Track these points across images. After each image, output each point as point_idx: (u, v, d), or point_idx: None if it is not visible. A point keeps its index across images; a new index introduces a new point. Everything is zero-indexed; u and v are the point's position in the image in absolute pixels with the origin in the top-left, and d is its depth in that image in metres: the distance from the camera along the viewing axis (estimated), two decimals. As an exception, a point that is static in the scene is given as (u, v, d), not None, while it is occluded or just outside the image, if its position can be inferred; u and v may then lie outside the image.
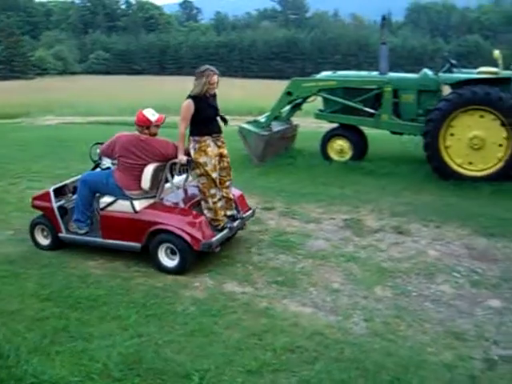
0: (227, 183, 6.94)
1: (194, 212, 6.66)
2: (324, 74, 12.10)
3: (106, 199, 6.67)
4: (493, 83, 9.66)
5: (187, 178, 6.90)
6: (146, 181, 6.50)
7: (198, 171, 6.74)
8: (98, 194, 6.87)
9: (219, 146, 6.82)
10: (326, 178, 10.24)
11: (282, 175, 10.63)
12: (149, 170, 6.49)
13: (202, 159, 6.64)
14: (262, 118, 11.95)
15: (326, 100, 11.62)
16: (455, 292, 5.82)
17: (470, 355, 4.70)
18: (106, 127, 20.04)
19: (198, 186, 6.82)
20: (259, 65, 76.81)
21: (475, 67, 10.87)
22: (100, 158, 7.14)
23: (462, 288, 5.91)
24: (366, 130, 12.04)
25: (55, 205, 6.96)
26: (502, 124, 9.44)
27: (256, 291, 5.84)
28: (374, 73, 11.62)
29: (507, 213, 8.17)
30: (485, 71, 10.19)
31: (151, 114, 6.65)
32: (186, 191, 6.95)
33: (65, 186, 7.25)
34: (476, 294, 5.79)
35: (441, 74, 10.63)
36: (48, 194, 7.01)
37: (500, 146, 9.54)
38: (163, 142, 6.72)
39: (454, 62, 11.00)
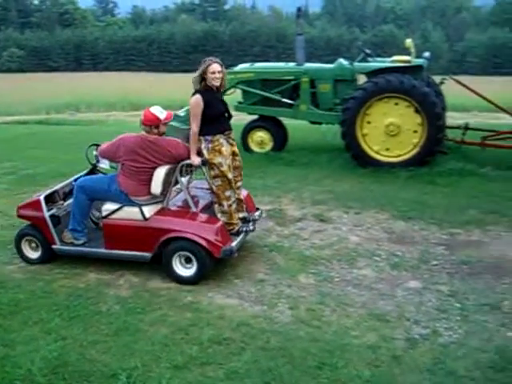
0: (239, 183, 6.53)
1: (211, 216, 6.27)
2: (242, 66, 12.13)
3: (109, 206, 6.14)
4: (406, 71, 9.94)
5: (190, 179, 6.58)
6: (156, 185, 6.01)
7: (212, 173, 6.27)
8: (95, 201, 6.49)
9: (231, 144, 6.43)
10: (247, 170, 10.11)
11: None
12: (160, 174, 6.00)
13: (216, 159, 6.21)
14: (181, 112, 11.80)
15: (244, 92, 11.66)
16: (376, 275, 5.99)
17: (392, 336, 4.85)
18: (23, 127, 19.47)
19: (211, 188, 6.34)
20: (179, 58, 76.16)
21: (390, 56, 11.16)
22: (98, 161, 6.66)
23: (382, 271, 6.08)
24: (286, 121, 12.14)
25: (47, 214, 6.33)
26: (416, 111, 9.74)
27: (181, 286, 5.82)
28: (291, 64, 11.73)
29: (423, 196, 8.47)
30: (398, 60, 10.47)
31: (159, 112, 6.09)
32: (189, 194, 6.42)
33: (55, 192, 6.58)
34: (396, 276, 5.98)
35: (356, 64, 10.86)
36: (38, 202, 6.33)
37: (415, 132, 9.84)
38: (173, 141, 6.19)
39: (368, 51, 11.24)
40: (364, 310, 5.30)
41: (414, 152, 9.90)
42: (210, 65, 6.08)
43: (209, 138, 6.21)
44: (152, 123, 6.04)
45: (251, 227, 6.51)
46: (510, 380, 4.25)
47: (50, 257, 6.48)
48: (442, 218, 7.52)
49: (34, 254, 6.52)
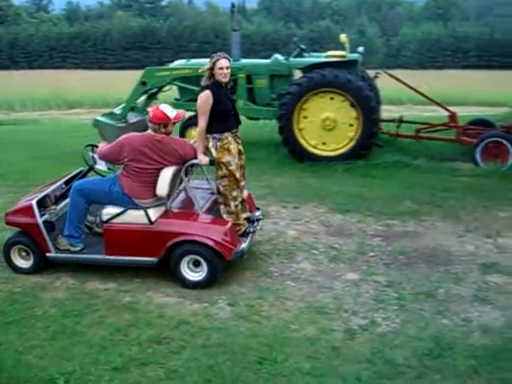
0: (242, 183, 6.29)
1: (219, 218, 6.12)
2: (178, 62, 12.03)
3: (111, 210, 5.80)
4: (341, 66, 10.06)
5: (189, 179, 6.27)
6: (163, 187, 5.69)
7: (219, 172, 6.09)
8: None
9: (237, 143, 6.24)
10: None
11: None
12: (167, 175, 5.69)
13: (225, 158, 6.02)
14: (117, 110, 11.68)
15: (181, 89, 11.57)
16: (315, 268, 6.04)
17: (331, 327, 4.91)
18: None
19: (217, 189, 6.17)
20: (115, 55, 74.96)
21: (327, 51, 11.25)
22: (95, 162, 6.35)
23: (320, 264, 6.14)
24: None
25: (40, 220, 5.94)
26: (352, 105, 9.87)
27: (119, 286, 5.73)
28: (227, 59, 11.67)
29: (360, 189, 8.60)
30: (333, 55, 10.60)
31: (170, 111, 5.76)
32: (187, 194, 6.27)
33: (46, 196, 6.18)
34: (334, 268, 6.05)
35: (291, 59, 10.93)
36: (30, 207, 5.92)
37: (351, 125, 9.98)
38: (180, 141, 5.99)
39: (303, 46, 11.33)
40: (303, 303, 5.34)
41: (350, 145, 10.04)
42: (217, 60, 5.89)
43: (217, 135, 6.03)
44: (161, 122, 5.71)
45: (258, 227, 6.39)
46: (446, 366, 4.34)
47: (42, 266, 6.12)
48: (379, 210, 7.67)
49: (25, 264, 6.13)
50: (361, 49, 11.21)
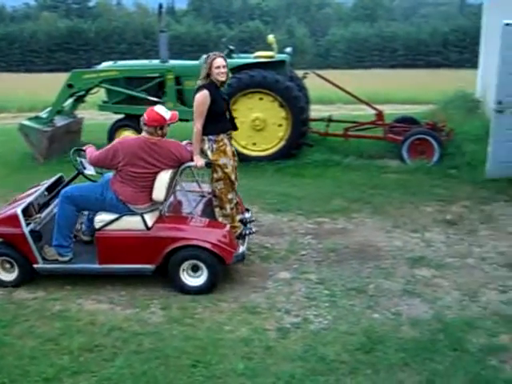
0: (235, 185, 6.23)
1: (215, 221, 6.03)
2: (105, 64, 11.83)
3: (104, 217, 5.59)
4: (269, 67, 10.13)
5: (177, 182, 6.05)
6: (160, 191, 5.53)
7: (215, 175, 6.00)
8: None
9: (231, 144, 6.17)
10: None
11: (72, 172, 10.16)
12: (164, 179, 5.54)
13: (221, 160, 5.94)
14: (43, 114, 11.40)
15: (109, 91, 11.38)
16: (247, 269, 6.06)
17: (264, 327, 4.93)
18: None
19: (212, 191, 6.09)
20: (42, 57, 73.18)
21: (256, 52, 11.28)
22: (84, 168, 6.03)
23: (253, 264, 6.17)
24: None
25: (26, 230, 5.64)
26: (281, 105, 9.95)
27: (48, 295, 5.60)
28: (156, 61, 11.60)
29: (290, 189, 8.68)
30: (261, 55, 10.65)
31: (164, 111, 5.57)
32: (177, 197, 6.13)
33: (30, 204, 5.89)
34: (266, 268, 6.09)
35: (220, 60, 10.89)
36: (15, 216, 5.62)
37: (280, 125, 10.06)
38: (176, 143, 5.75)
39: (232, 47, 11.34)
40: (236, 304, 5.35)
41: (280, 145, 10.12)
42: (214, 59, 5.81)
43: (212, 137, 5.93)
44: (158, 124, 5.51)
45: (253, 229, 6.35)
46: (378, 360, 4.43)
47: (28, 278, 5.84)
48: (309, 209, 7.76)
49: (8, 276, 5.83)
50: (289, 49, 11.31)
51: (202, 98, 5.79)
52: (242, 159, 9.90)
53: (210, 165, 5.90)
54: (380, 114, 10.85)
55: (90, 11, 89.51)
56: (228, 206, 6.10)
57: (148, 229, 5.56)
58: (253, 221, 6.52)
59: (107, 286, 5.75)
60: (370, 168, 9.88)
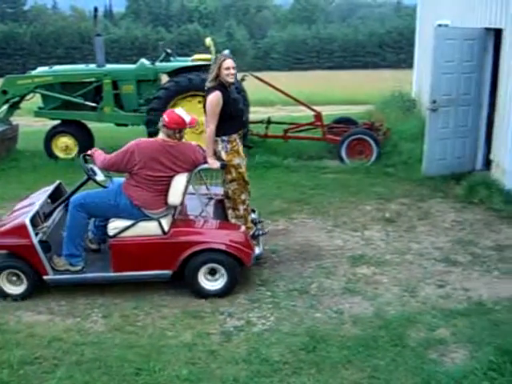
0: (249, 185, 6.26)
1: (231, 223, 6.02)
2: (40, 69, 11.59)
3: (119, 224, 5.44)
4: (207, 69, 10.06)
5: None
6: (176, 195, 5.41)
7: (229, 176, 5.99)
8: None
9: (242, 145, 6.19)
10: (53, 177, 9.83)
11: (7, 180, 9.96)
12: (181, 182, 5.42)
13: (235, 161, 5.94)
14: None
15: (44, 96, 11.16)
16: (190, 273, 6.00)
17: (207, 331, 4.91)
18: None
19: (226, 193, 6.09)
20: (-25, 63, 71.27)
21: (195, 54, 11.26)
22: (94, 173, 5.75)
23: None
24: (91, 124, 11.82)
25: (36, 240, 5.41)
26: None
27: (-17, 309, 5.42)
28: (92, 65, 11.43)
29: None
30: (199, 58, 10.64)
31: (185, 115, 5.45)
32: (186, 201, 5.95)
33: (37, 213, 5.65)
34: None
35: (158, 64, 10.87)
36: (23, 226, 5.39)
37: None
38: (191, 145, 5.69)
39: (169, 51, 11.28)
40: (179, 309, 5.31)
41: None
42: (223, 60, 5.82)
43: (225, 138, 5.92)
44: (178, 126, 5.39)
45: (266, 230, 6.39)
46: (321, 359, 4.47)
47: (33, 291, 5.60)
48: (251, 211, 7.75)
49: (16, 289, 5.58)
50: (226, 52, 11.29)
51: (215, 99, 5.81)
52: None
53: (224, 166, 5.88)
54: (318, 115, 10.96)
55: (25, 15, 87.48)
56: (241, 207, 6.12)
57: (165, 234, 5.47)
58: (261, 221, 6.51)
59: (46, 297, 5.62)
60: (310, 169, 9.99)
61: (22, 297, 5.57)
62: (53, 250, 5.63)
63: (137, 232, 5.46)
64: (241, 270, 5.60)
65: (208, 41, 10.84)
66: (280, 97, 12.53)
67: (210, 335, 4.85)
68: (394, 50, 61.96)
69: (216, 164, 5.78)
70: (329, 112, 14.24)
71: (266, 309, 5.28)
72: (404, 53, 52.79)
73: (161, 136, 5.48)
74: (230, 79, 5.92)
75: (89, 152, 5.82)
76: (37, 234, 5.46)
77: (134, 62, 11.78)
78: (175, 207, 5.64)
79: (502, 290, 5.60)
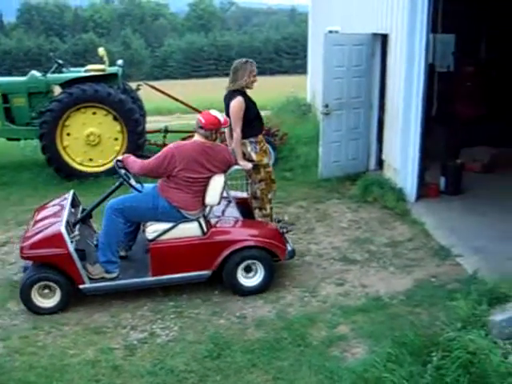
0: (275, 184, 6.56)
1: (262, 221, 6.26)
2: None
3: (158, 227, 5.45)
4: (101, 80, 9.94)
5: None
6: (214, 195, 5.51)
7: (258, 176, 6.22)
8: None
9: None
10: None
11: None
12: (219, 182, 5.52)
13: (265, 160, 6.25)
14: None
15: None
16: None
17: (110, 346, 4.84)
18: None
19: (254, 193, 6.33)
20: None
21: (89, 65, 11.01)
22: (129, 178, 5.61)
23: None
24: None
25: (72, 248, 5.25)
26: (115, 118, 9.81)
27: None
28: (-20, 79, 10.97)
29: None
30: (92, 69, 10.43)
31: (220, 115, 5.55)
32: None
33: (67, 222, 5.48)
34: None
35: (49, 75, 10.56)
36: (59, 235, 5.26)
37: (116, 139, 9.93)
38: (224, 146, 5.84)
39: (61, 61, 11.00)
40: (80, 326, 5.19)
41: None
42: (253, 67, 6.17)
43: (253, 139, 6.17)
44: (215, 127, 5.48)
45: (289, 227, 6.39)
46: (226, 365, 4.51)
47: (68, 302, 5.45)
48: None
49: (48, 302, 5.40)
50: (120, 61, 11.16)
51: (238, 104, 6.05)
52: (80, 176, 9.73)
53: (256, 166, 6.13)
54: (216, 123, 10.99)
55: None
56: (268, 206, 6.38)
57: (204, 234, 5.52)
58: (281, 220, 6.54)
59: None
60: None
61: (54, 310, 5.41)
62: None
63: (176, 234, 5.51)
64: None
65: (101, 50, 10.68)
66: (178, 105, 12.48)
67: (114, 350, 4.78)
68: (290, 56, 63.31)
69: (249, 165, 6.08)
70: (228, 119, 14.27)
71: (169, 319, 5.25)
72: (300, 59, 53.95)
73: (197, 138, 5.56)
74: (252, 85, 6.25)
75: (119, 158, 5.80)
76: (71, 243, 5.37)
77: (25, 74, 11.43)
78: (209, 208, 5.72)
79: (397, 285, 5.84)
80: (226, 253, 5.55)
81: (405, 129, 8.20)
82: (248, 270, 5.70)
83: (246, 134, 6.14)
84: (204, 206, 5.65)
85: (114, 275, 5.53)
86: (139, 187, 5.67)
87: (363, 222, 7.60)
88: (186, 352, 4.70)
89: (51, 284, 5.39)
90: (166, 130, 11.12)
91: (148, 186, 5.81)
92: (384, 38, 9.23)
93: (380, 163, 9.71)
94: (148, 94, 11.59)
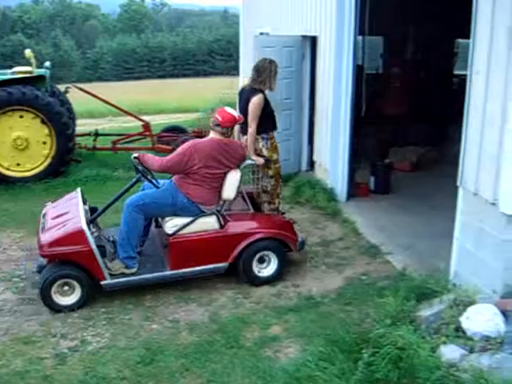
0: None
1: (271, 214, 6.58)
2: None
3: (177, 221, 5.60)
4: (28, 82, 9.69)
5: None
6: (231, 190, 5.74)
7: (270, 172, 6.54)
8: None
9: None
10: None
11: None
12: (236, 177, 5.76)
13: (275, 156, 6.56)
14: None
15: None
16: (18, 297, 5.72)
17: (40, 356, 4.71)
18: None
19: (264, 187, 6.61)
20: None
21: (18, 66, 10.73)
22: (147, 174, 5.68)
23: (24, 292, 5.83)
24: None
25: (94, 245, 5.30)
26: (43, 122, 9.58)
27: None
28: None
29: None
30: (19, 71, 10.16)
31: (234, 112, 5.79)
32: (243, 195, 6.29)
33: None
34: (36, 293, 5.73)
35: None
36: (81, 232, 5.32)
37: (44, 143, 9.70)
38: (239, 142, 6.15)
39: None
40: (7, 336, 5.03)
41: (46, 164, 9.76)
42: (277, 68, 6.51)
43: (266, 135, 6.47)
44: (231, 124, 5.73)
45: (292, 220, 6.69)
46: (159, 370, 4.46)
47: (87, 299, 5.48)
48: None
49: (69, 300, 5.42)
50: (47, 63, 10.90)
51: (259, 101, 6.35)
52: (7, 181, 9.46)
53: (268, 161, 6.41)
54: (147, 125, 10.93)
55: None
56: (277, 201, 6.73)
57: (222, 227, 5.71)
58: (284, 213, 6.93)
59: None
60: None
61: (73, 308, 5.42)
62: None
63: (196, 228, 5.67)
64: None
65: (28, 52, 10.41)
66: (111, 108, 12.29)
67: (43, 360, 4.65)
68: (224, 57, 63.35)
69: (261, 160, 6.32)
70: (161, 121, 14.23)
71: (100, 326, 5.15)
72: (233, 60, 54.10)
73: (213, 135, 5.75)
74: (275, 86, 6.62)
75: (135, 155, 5.80)
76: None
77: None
78: (222, 202, 5.85)
79: (329, 283, 5.94)
80: (242, 245, 5.76)
81: (334, 129, 8.33)
82: (261, 261, 5.92)
83: (259, 130, 6.42)
84: (220, 200, 5.83)
85: (134, 270, 5.62)
86: (157, 183, 5.78)
87: (295, 223, 7.62)
88: (118, 359, 4.62)
89: (71, 281, 5.41)
90: (97, 134, 10.94)
91: (164, 181, 5.94)
92: (313, 40, 9.35)
93: (312, 164, 9.83)
94: (80, 96, 11.36)
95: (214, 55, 65.33)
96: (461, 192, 5.16)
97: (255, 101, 6.35)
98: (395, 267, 6.21)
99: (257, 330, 5.02)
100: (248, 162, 6.13)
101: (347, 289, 5.77)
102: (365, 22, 8.58)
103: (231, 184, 5.75)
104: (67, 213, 5.75)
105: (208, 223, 5.72)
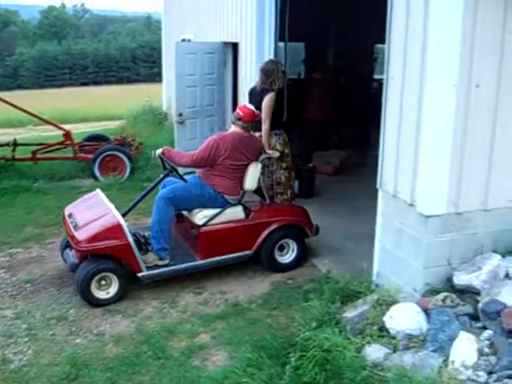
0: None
1: (286, 203, 7.20)
2: None
3: (206, 213, 5.91)
4: None
5: None
6: (252, 181, 6.12)
7: (284, 165, 7.10)
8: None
9: None
10: None
11: None
12: (257, 169, 6.16)
13: (287, 150, 7.08)
14: None
15: None
16: None
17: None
18: None
19: (278, 179, 7.17)
20: None
21: None
22: (176, 169, 5.95)
23: None
24: None
25: (131, 238, 5.50)
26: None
27: None
28: None
29: None
30: None
31: (253, 108, 6.24)
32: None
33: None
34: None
35: None
36: (118, 226, 5.50)
37: None
38: (257, 137, 6.54)
39: None
40: None
41: None
42: (282, 65, 7.00)
43: (278, 131, 7.01)
44: (251, 119, 6.15)
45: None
46: (84, 385, 4.34)
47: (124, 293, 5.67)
48: (0, 240, 7.29)
49: (106, 294, 5.57)
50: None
51: (272, 100, 6.83)
52: None
53: (281, 155, 6.92)
54: (68, 134, 10.68)
55: None
56: (289, 192, 7.25)
57: (247, 217, 6.06)
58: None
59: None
60: (63, 189, 9.67)
61: (110, 301, 5.57)
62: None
63: (224, 218, 5.98)
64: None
65: None
66: (31, 117, 11.95)
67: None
68: (147, 64, 62.74)
69: (276, 154, 6.78)
70: (83, 129, 13.96)
71: (22, 343, 4.98)
72: (157, 67, 53.62)
73: (235, 129, 6.15)
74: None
75: (160, 150, 6.07)
76: None
77: None
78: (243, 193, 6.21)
79: (255, 289, 5.96)
80: (266, 232, 6.09)
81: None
82: (281, 248, 6.29)
83: (272, 127, 6.89)
84: (242, 191, 6.19)
85: (167, 261, 5.86)
86: (184, 177, 6.03)
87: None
88: (42, 376, 4.49)
89: (109, 275, 5.55)
90: (15, 143, 10.59)
91: (189, 176, 6.23)
92: (235, 47, 9.38)
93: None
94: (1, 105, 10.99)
95: (138, 62, 64.56)
96: (380, 194, 5.28)
97: (267, 100, 6.82)
98: (320, 270, 6.29)
99: (184, 339, 4.99)
100: (264, 155, 6.47)
101: (273, 294, 5.81)
102: (285, 29, 8.67)
103: (253, 175, 6.13)
104: (96, 210, 5.88)
105: (235, 213, 6.08)
